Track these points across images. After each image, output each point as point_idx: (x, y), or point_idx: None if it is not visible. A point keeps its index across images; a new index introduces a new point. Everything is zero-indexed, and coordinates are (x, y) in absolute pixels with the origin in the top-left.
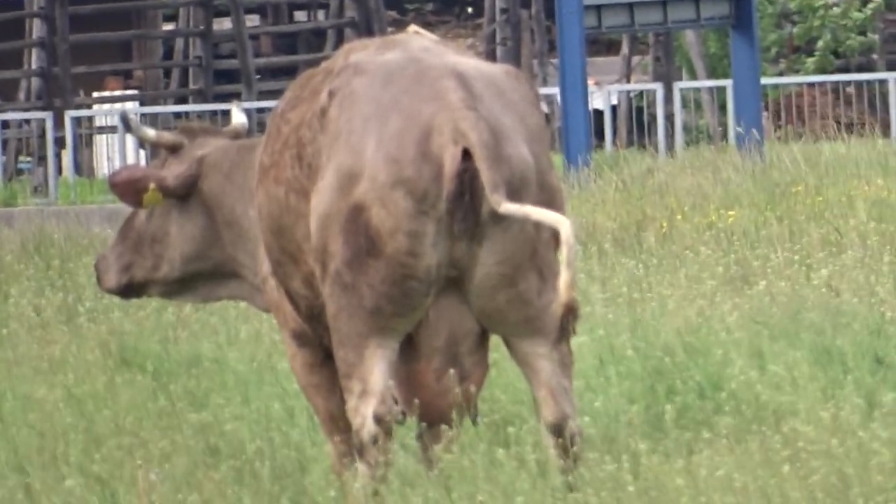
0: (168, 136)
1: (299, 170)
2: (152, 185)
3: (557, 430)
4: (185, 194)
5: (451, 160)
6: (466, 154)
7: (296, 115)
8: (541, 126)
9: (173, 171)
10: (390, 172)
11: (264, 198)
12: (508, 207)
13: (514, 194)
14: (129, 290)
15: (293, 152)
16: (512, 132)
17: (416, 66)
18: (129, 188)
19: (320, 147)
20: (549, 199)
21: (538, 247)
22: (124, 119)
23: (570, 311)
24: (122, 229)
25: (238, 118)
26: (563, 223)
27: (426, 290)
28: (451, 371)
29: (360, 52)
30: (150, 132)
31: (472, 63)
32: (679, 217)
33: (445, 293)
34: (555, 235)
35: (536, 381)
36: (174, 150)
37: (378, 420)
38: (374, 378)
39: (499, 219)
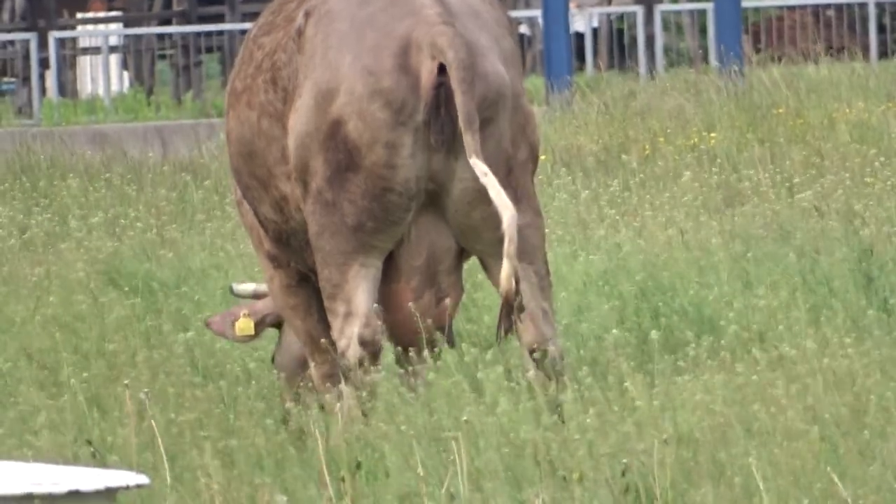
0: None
1: (273, 94)
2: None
3: (538, 353)
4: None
5: (427, 74)
6: (443, 67)
7: (269, 39)
8: (514, 50)
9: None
10: (367, 84)
11: (235, 122)
12: (477, 162)
13: (490, 109)
14: None
15: (267, 76)
16: (487, 50)
17: None
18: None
19: (297, 68)
20: (524, 123)
21: (514, 166)
22: (231, 290)
23: (510, 303)
24: None
25: None
26: (508, 211)
27: (406, 204)
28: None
29: None
30: (250, 287)
31: None
32: (661, 139)
33: (425, 211)
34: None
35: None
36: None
37: (363, 343)
38: (358, 299)
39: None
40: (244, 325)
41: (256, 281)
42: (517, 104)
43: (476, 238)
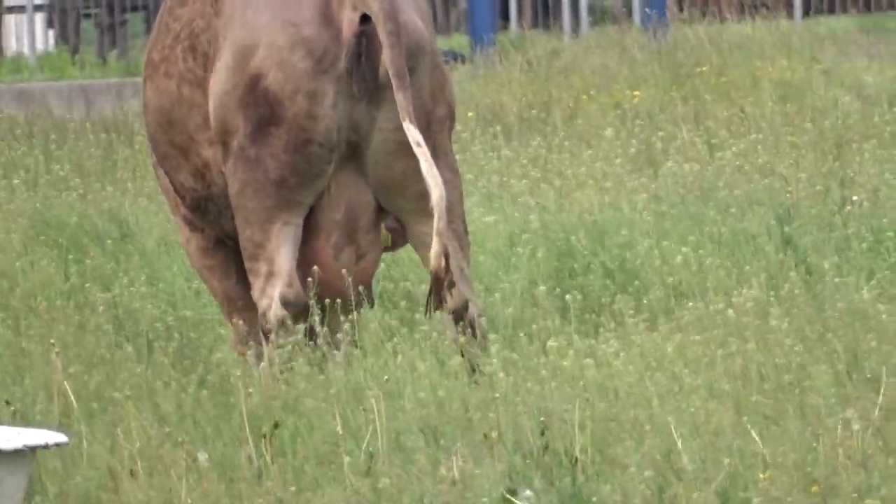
0: None
1: (193, 61)
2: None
3: (457, 314)
4: None
5: (349, 23)
6: (364, 17)
7: (186, 10)
8: (428, 11)
9: None
10: (288, 35)
11: (154, 93)
12: (410, 128)
13: (411, 59)
14: None
15: (185, 45)
16: (406, 4)
17: None
18: None
19: (216, 32)
20: (442, 81)
21: (432, 121)
22: None
23: (439, 280)
24: None
25: None
26: (437, 189)
27: (328, 156)
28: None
29: None
30: None
31: None
32: (584, 97)
33: (345, 165)
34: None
35: None
36: None
37: (286, 303)
38: (280, 259)
39: None
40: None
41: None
42: (435, 62)
43: (397, 192)
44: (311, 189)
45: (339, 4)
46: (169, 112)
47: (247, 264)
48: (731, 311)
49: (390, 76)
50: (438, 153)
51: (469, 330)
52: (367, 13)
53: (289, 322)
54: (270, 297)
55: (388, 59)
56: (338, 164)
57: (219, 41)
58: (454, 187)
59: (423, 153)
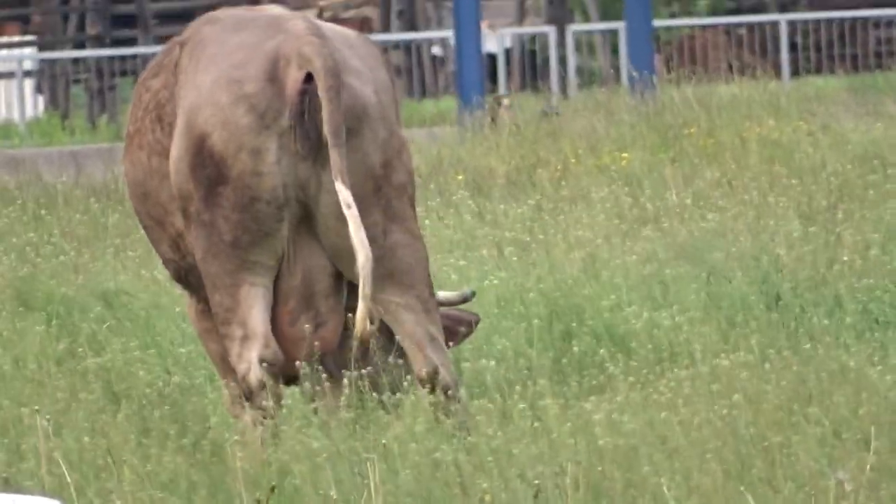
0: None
1: (160, 131)
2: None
3: (430, 381)
4: None
5: (293, 83)
6: (310, 76)
7: (156, 81)
8: (388, 83)
9: None
10: (231, 92)
11: (130, 165)
12: (341, 189)
13: (353, 120)
14: None
15: (153, 116)
16: (356, 71)
17: (269, 16)
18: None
19: (176, 101)
20: (399, 149)
21: (382, 185)
22: None
23: (365, 344)
24: None
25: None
26: (363, 251)
27: (276, 214)
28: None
29: (219, 13)
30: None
31: (325, 23)
32: (573, 160)
33: (302, 229)
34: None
35: (402, 333)
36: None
37: (265, 363)
38: (254, 320)
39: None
40: None
41: None
42: (391, 130)
43: (350, 260)
44: (267, 249)
45: (286, 63)
46: (143, 184)
47: (221, 330)
48: (721, 373)
49: (326, 132)
50: (392, 217)
51: (443, 395)
52: (311, 71)
53: (270, 383)
54: (248, 360)
55: (325, 114)
56: (294, 227)
57: (178, 109)
58: (414, 251)
59: (352, 215)
